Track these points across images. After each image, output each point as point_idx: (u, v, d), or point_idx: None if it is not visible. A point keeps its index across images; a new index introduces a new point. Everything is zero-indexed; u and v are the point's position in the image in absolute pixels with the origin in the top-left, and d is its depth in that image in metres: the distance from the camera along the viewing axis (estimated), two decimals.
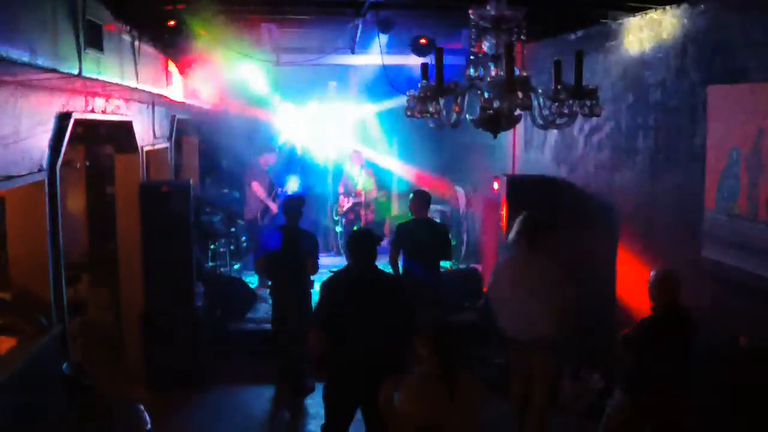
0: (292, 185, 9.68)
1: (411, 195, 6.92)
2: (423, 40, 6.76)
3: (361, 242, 4.67)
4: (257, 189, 9.36)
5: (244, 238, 10.00)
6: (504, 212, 7.30)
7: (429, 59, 3.21)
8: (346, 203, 9.53)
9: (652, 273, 4.39)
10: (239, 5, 5.76)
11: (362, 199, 9.26)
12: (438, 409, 3.33)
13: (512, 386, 5.31)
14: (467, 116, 3.18)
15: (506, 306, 5.07)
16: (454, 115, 3.18)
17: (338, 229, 10.57)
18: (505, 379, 6.55)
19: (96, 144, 7.43)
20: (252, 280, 9.03)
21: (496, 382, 6.56)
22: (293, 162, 10.72)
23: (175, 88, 7.00)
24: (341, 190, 9.66)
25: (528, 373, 5.16)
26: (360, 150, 9.90)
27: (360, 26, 6.65)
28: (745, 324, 4.28)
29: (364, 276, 4.57)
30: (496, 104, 3.02)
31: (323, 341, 4.47)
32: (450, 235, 7.18)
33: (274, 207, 9.39)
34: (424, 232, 6.65)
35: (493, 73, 3.19)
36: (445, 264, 9.87)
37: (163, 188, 6.73)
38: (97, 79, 4.51)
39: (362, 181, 9.37)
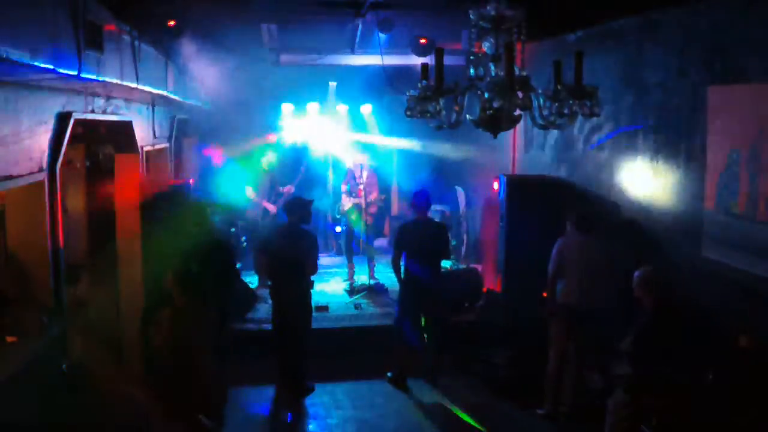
0: (291, 188, 9.67)
1: (414, 195, 6.93)
2: (423, 41, 6.75)
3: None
4: (250, 194, 9.37)
5: (244, 238, 9.99)
6: (504, 212, 7.30)
7: (429, 59, 3.21)
8: (348, 203, 9.54)
9: (636, 273, 4.43)
10: (240, 5, 5.76)
11: (364, 199, 9.26)
12: (186, 329, 4.57)
13: (552, 353, 5.82)
14: (467, 116, 3.18)
15: (568, 278, 5.69)
16: (454, 115, 3.18)
17: (338, 229, 10.57)
18: (505, 379, 6.58)
19: (96, 144, 7.42)
20: (252, 280, 9.02)
21: (496, 383, 6.61)
22: (294, 163, 10.71)
23: (175, 88, 7.01)
24: (344, 189, 9.67)
25: (570, 340, 5.74)
26: (362, 151, 9.91)
27: (360, 26, 6.66)
28: (745, 324, 4.28)
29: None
30: (496, 104, 3.01)
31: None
32: (449, 235, 7.22)
33: (272, 207, 9.39)
34: (425, 232, 6.69)
35: (493, 73, 3.20)
36: (445, 264, 9.90)
37: (163, 188, 6.72)
38: (97, 79, 4.51)
39: (364, 181, 9.37)
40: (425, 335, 6.83)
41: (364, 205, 9.26)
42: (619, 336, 4.62)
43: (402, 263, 6.68)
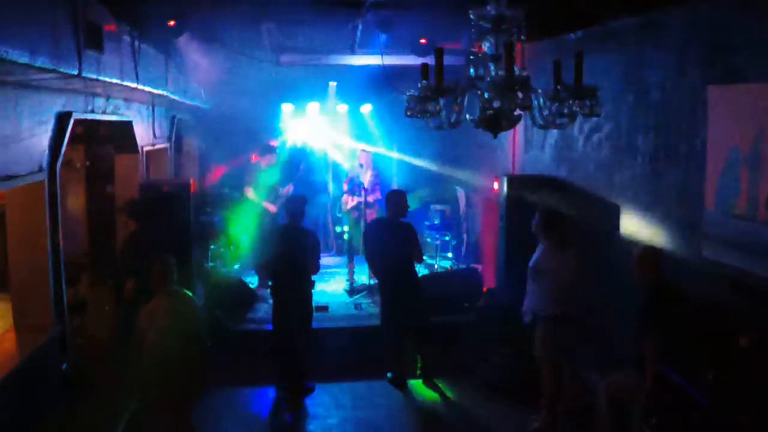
0: (290, 188, 9.66)
1: (387, 194, 6.86)
2: (423, 41, 6.76)
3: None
4: (251, 194, 9.35)
5: (244, 238, 9.99)
6: (504, 212, 7.29)
7: (429, 59, 3.21)
8: (351, 202, 9.54)
9: (635, 251, 4.57)
10: (240, 5, 5.76)
11: (366, 198, 9.25)
12: (170, 314, 4.76)
13: (544, 365, 5.65)
14: (467, 116, 3.18)
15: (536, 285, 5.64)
16: (454, 115, 3.18)
17: (338, 229, 10.55)
18: (505, 379, 6.58)
19: (96, 144, 7.42)
20: (252, 280, 9.02)
21: (496, 383, 6.61)
22: (293, 162, 10.70)
23: (175, 88, 7.01)
24: (346, 188, 9.66)
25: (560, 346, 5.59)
26: (366, 150, 9.91)
27: (360, 26, 6.66)
28: (745, 324, 4.28)
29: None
30: (496, 104, 3.02)
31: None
32: (415, 235, 6.68)
33: (272, 207, 9.37)
34: (388, 232, 6.54)
35: (493, 73, 3.20)
36: (445, 264, 9.91)
37: (164, 188, 6.73)
38: (97, 79, 4.51)
39: (367, 180, 9.37)
40: (405, 338, 6.75)
41: (366, 204, 9.26)
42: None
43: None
